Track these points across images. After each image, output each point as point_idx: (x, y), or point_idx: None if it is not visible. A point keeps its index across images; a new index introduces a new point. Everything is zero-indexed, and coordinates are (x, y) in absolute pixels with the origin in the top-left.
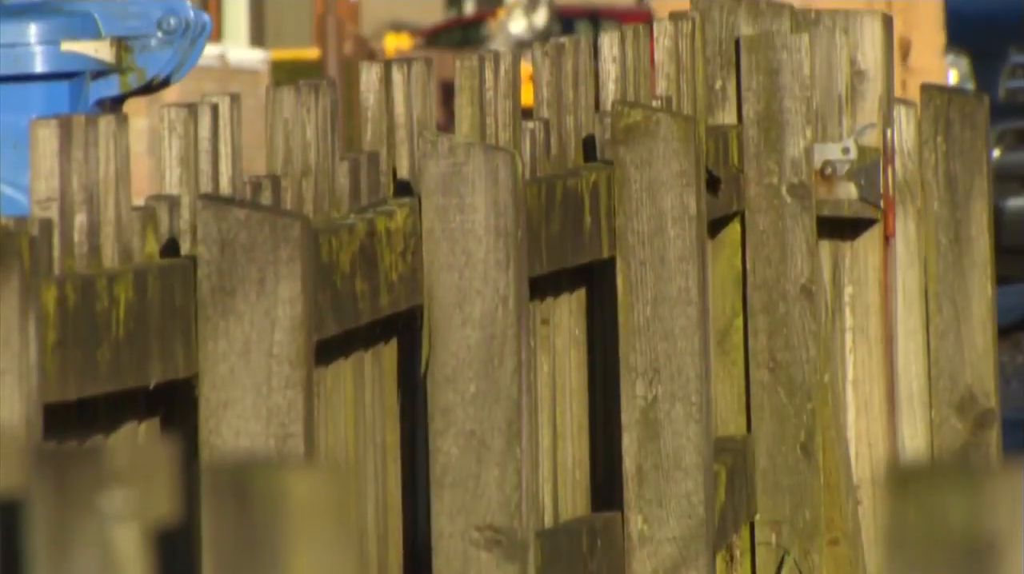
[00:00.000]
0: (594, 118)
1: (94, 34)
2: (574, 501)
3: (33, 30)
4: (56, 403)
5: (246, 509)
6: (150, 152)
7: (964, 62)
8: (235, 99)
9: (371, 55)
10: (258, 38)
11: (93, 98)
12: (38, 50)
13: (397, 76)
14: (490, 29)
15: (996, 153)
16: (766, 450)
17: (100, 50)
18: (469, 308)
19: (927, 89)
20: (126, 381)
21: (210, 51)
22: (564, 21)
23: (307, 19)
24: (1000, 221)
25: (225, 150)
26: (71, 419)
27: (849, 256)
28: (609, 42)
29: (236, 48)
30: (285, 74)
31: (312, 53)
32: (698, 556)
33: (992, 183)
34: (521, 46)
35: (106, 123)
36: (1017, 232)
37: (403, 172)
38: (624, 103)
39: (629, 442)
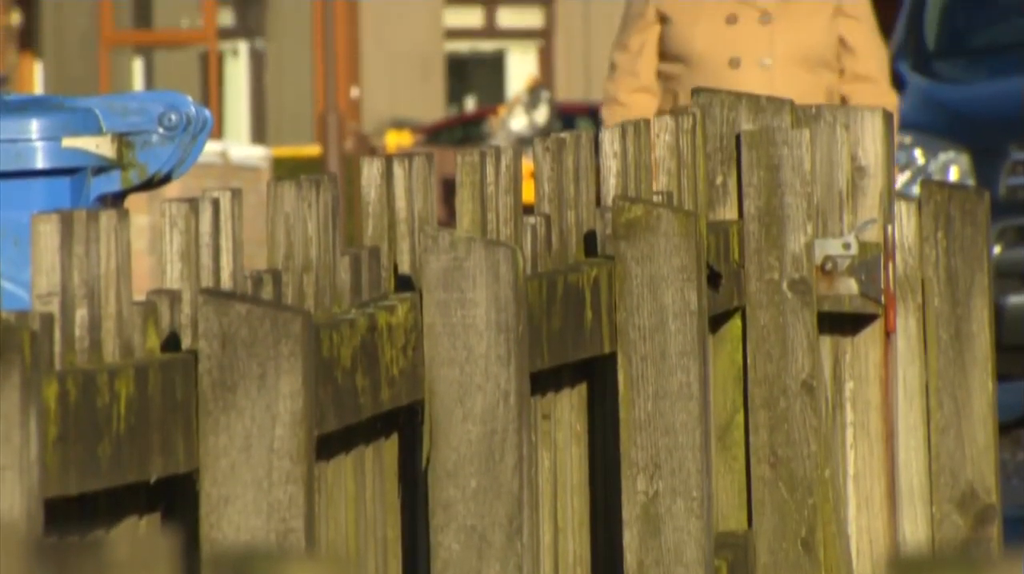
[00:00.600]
0: (595, 213)
1: (95, 130)
2: None
3: (35, 126)
4: (57, 498)
5: None
6: (151, 250)
7: (964, 159)
8: (236, 194)
9: (372, 152)
10: (259, 135)
11: (94, 194)
12: (39, 146)
13: (398, 171)
14: (491, 126)
15: (997, 250)
16: (767, 545)
17: (101, 146)
18: (470, 403)
19: (927, 185)
20: (127, 476)
21: (211, 148)
22: (565, 118)
23: (308, 116)
24: (1001, 318)
25: (226, 245)
26: (72, 514)
27: (850, 351)
28: (610, 137)
29: (237, 145)
30: (286, 170)
31: (313, 150)
32: None
33: (993, 280)
34: (522, 143)
35: (107, 218)
36: (1018, 329)
37: (404, 267)
38: (625, 198)
39: (630, 538)
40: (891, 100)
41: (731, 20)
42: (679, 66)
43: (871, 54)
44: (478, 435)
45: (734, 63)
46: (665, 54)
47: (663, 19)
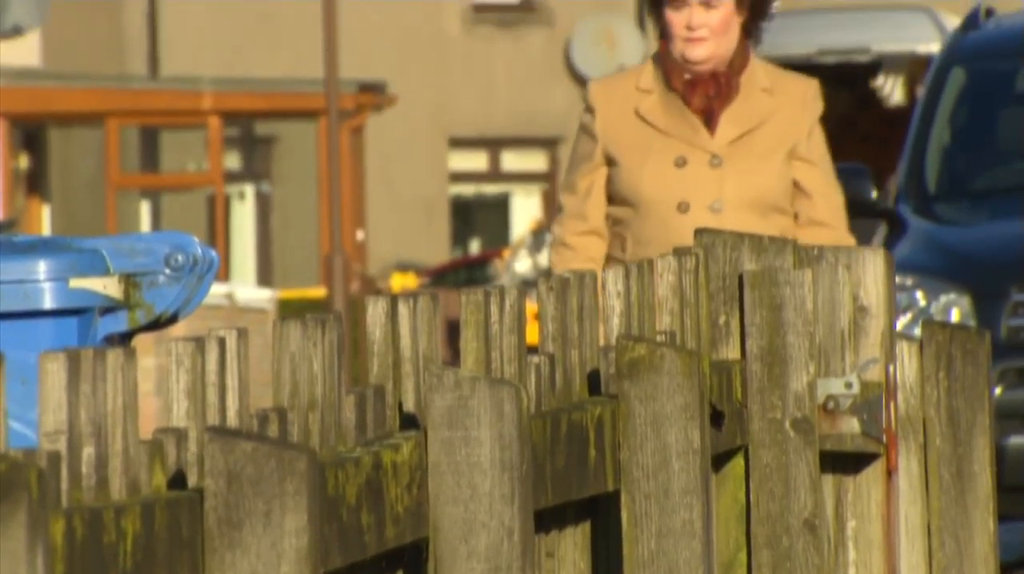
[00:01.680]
0: (599, 352)
1: (103, 271)
2: None
3: (42, 267)
4: None
5: None
6: (158, 391)
7: (965, 301)
8: (242, 333)
9: (377, 294)
10: (265, 277)
11: (102, 334)
12: (47, 286)
13: (403, 310)
14: (496, 269)
15: (998, 391)
16: None
17: (108, 286)
18: (474, 541)
19: (929, 325)
20: None
21: (217, 290)
22: None
23: (314, 258)
24: (1002, 458)
25: (232, 383)
26: None
27: (852, 490)
28: (613, 277)
29: (244, 287)
30: (292, 312)
31: (319, 292)
32: None
33: (994, 420)
34: (526, 284)
35: (114, 357)
36: (1019, 470)
37: (409, 405)
38: (629, 338)
39: None
40: (848, 245)
41: (680, 163)
42: (627, 210)
43: (826, 199)
44: (482, 573)
45: (683, 207)
46: (613, 197)
47: (611, 161)
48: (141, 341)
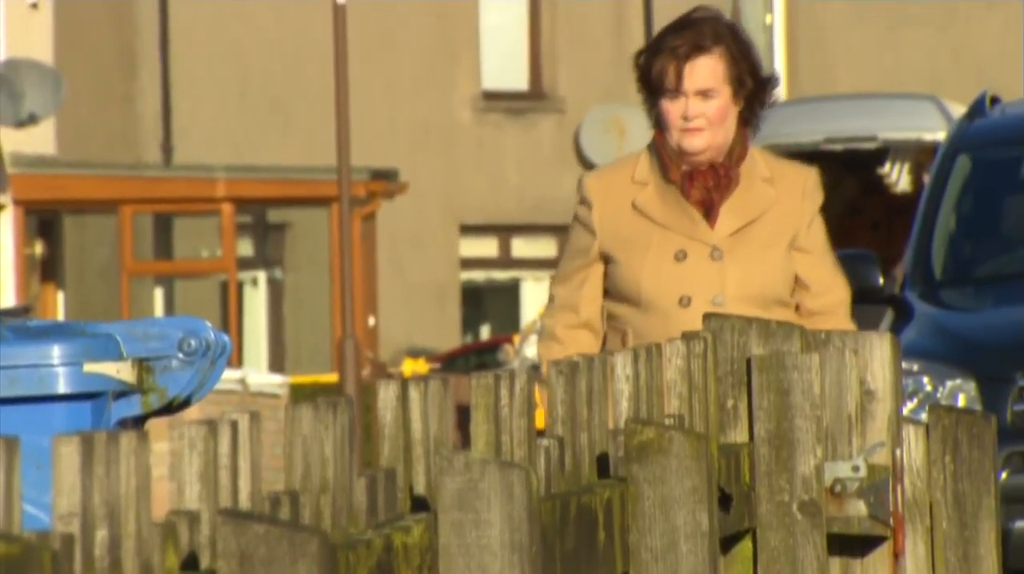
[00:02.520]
0: (608, 435)
1: (116, 355)
2: None
3: (56, 351)
4: None
5: None
6: (171, 476)
7: (972, 386)
8: (254, 417)
9: (389, 379)
10: (278, 363)
11: (115, 418)
12: (61, 371)
13: (414, 394)
14: (506, 354)
15: (1003, 475)
16: None
17: (122, 371)
18: None
19: (935, 410)
20: None
21: (230, 375)
22: None
23: (326, 344)
24: (1007, 542)
25: (244, 466)
26: None
27: (859, 573)
28: (622, 361)
29: (256, 373)
30: (304, 398)
31: (331, 378)
32: None
33: (999, 504)
34: (536, 369)
35: (127, 440)
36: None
37: (420, 488)
38: (637, 421)
39: None
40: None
41: (680, 256)
42: (627, 306)
43: (828, 289)
44: None
45: (684, 302)
46: (612, 293)
47: (608, 258)
48: (155, 426)
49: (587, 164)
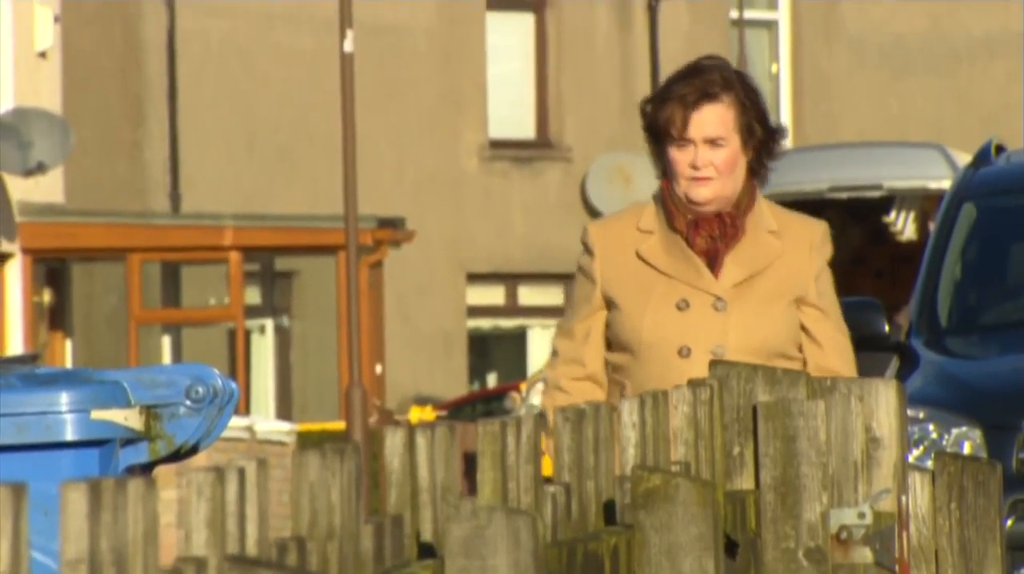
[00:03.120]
0: (614, 482)
1: (124, 402)
2: None
3: (64, 399)
4: None
5: None
6: (179, 523)
7: (977, 434)
8: (262, 464)
9: (396, 426)
10: (285, 411)
11: (123, 465)
12: (69, 418)
13: (421, 441)
14: (512, 401)
15: (1008, 523)
16: None
17: (130, 418)
18: None
19: (941, 457)
20: None
21: (237, 423)
22: None
23: (333, 392)
24: None
25: (252, 512)
26: None
27: None
28: (629, 408)
29: (263, 420)
30: (312, 445)
31: (338, 425)
32: None
33: (1004, 551)
34: (543, 417)
35: (135, 486)
36: None
37: (427, 535)
38: (644, 468)
39: None
40: None
41: (682, 306)
42: (627, 355)
43: (836, 345)
44: None
45: (684, 352)
46: (612, 342)
47: (610, 305)
48: (163, 473)
49: (593, 212)
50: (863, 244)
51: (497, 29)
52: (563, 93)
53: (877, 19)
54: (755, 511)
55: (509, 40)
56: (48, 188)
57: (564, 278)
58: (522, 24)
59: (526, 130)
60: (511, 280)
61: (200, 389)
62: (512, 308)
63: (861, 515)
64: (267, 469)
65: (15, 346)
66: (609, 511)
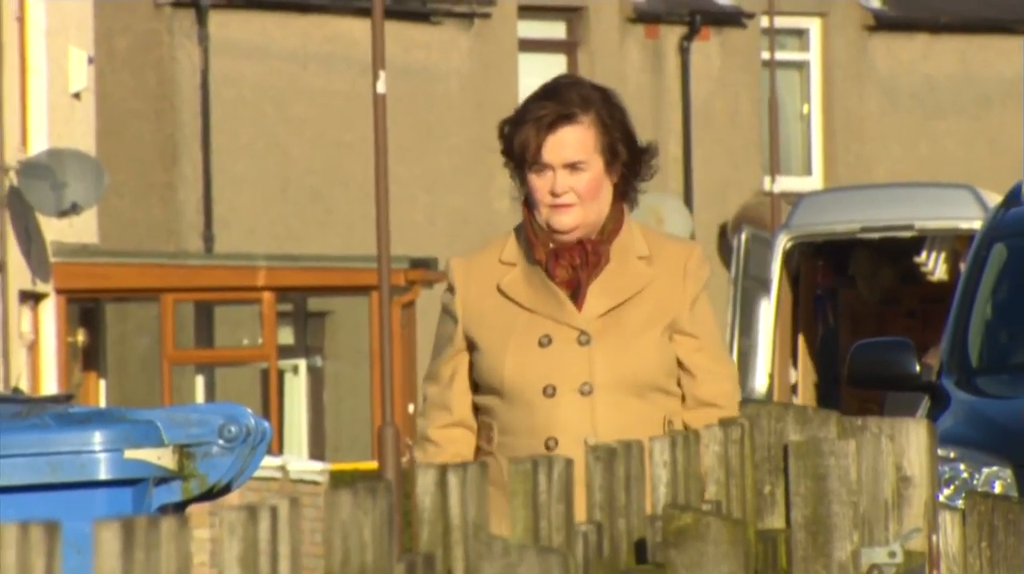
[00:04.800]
0: (646, 521)
1: (157, 441)
2: None
3: (97, 438)
4: None
5: None
6: (213, 563)
7: (1008, 474)
8: (294, 502)
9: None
10: (318, 450)
11: (156, 504)
12: (102, 457)
13: (453, 479)
14: None
15: None
16: None
17: (163, 457)
18: None
19: (972, 496)
20: None
21: (270, 462)
22: None
23: (366, 432)
24: None
25: (284, 551)
26: None
27: None
28: (660, 447)
29: (296, 460)
30: (344, 485)
31: (371, 465)
32: None
33: None
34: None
35: (168, 524)
36: None
37: (459, 573)
38: (675, 506)
39: None
40: None
41: (544, 342)
42: (492, 397)
43: (713, 376)
44: None
45: (548, 391)
46: (478, 384)
47: (472, 346)
48: (196, 513)
49: None
50: (894, 284)
51: (529, 71)
52: None
53: (907, 61)
54: (786, 550)
55: (541, 81)
56: (82, 229)
57: None
58: (554, 66)
59: None
60: None
61: (233, 428)
62: None
63: (892, 554)
64: (299, 508)
65: (49, 386)
66: (640, 550)
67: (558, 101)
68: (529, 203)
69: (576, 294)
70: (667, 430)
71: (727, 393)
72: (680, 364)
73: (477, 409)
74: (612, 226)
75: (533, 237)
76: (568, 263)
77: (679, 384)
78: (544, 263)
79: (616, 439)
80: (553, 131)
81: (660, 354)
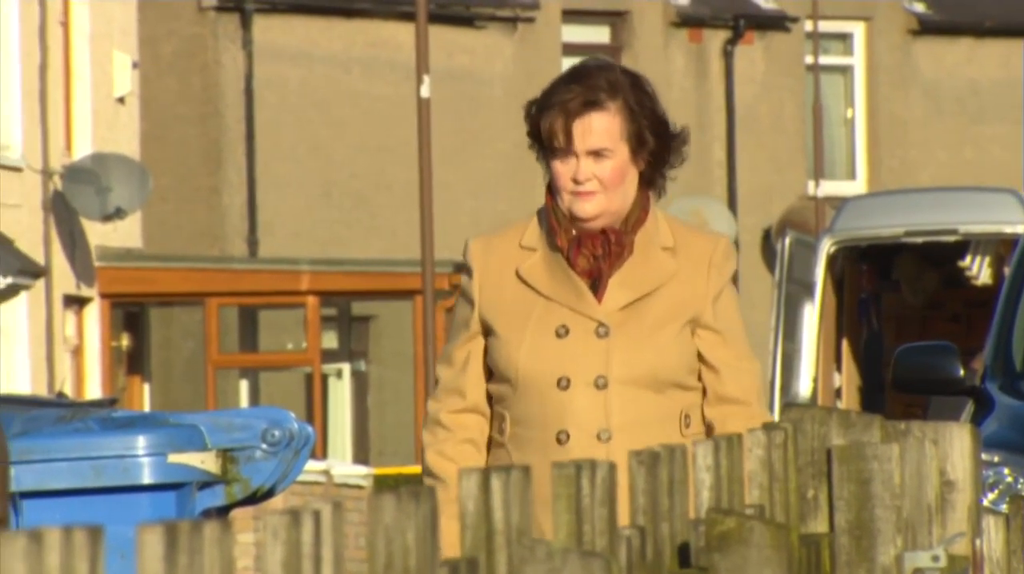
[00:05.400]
0: (688, 525)
1: (200, 446)
2: None
3: (141, 442)
4: None
5: None
6: (256, 568)
7: None
8: (337, 506)
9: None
10: (362, 455)
11: (199, 508)
12: (146, 462)
13: (496, 483)
14: None
15: None
16: None
17: (206, 461)
18: None
19: (1016, 500)
20: None
21: (314, 466)
22: None
23: (410, 436)
24: None
25: (327, 555)
26: None
27: None
28: (703, 452)
29: (340, 464)
30: (388, 489)
31: (415, 469)
32: None
33: None
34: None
35: (211, 529)
36: None
37: None
38: (718, 510)
39: None
40: (763, 423)
41: (561, 332)
42: (505, 386)
43: (737, 373)
44: None
45: (562, 383)
46: (492, 372)
47: (488, 331)
48: (239, 517)
49: None
50: (938, 288)
51: None
52: None
53: (951, 65)
54: (829, 554)
55: None
56: (126, 233)
57: None
58: None
59: None
60: None
61: (276, 433)
62: None
63: (935, 558)
64: (343, 512)
65: (93, 390)
66: (683, 554)
67: (585, 85)
68: (552, 188)
69: (597, 284)
70: (682, 426)
71: (751, 389)
72: (702, 359)
73: (491, 397)
74: (637, 215)
75: (555, 223)
76: (590, 252)
77: (699, 379)
78: (565, 251)
79: (628, 434)
80: (579, 117)
81: (680, 349)
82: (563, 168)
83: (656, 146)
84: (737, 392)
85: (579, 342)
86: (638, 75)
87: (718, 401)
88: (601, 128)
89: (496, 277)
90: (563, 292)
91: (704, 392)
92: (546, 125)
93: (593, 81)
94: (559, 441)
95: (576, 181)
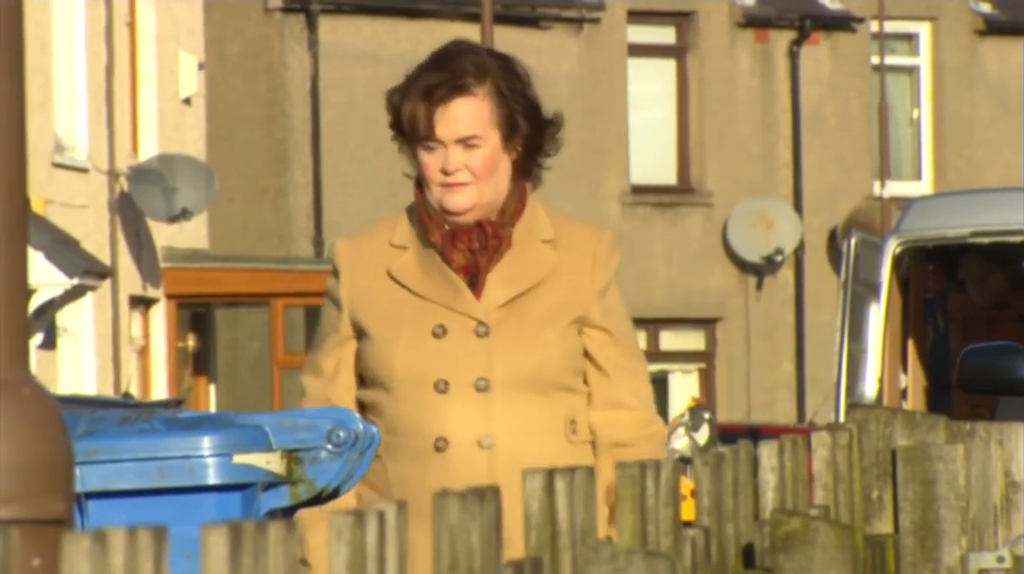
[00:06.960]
0: (753, 526)
1: (265, 447)
2: None
3: (206, 443)
4: None
5: None
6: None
7: None
8: (402, 507)
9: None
10: None
11: (264, 509)
12: (211, 462)
13: (560, 484)
14: None
15: None
16: None
17: (271, 462)
18: None
19: None
20: None
21: None
22: (725, 438)
23: None
24: None
25: (392, 555)
26: None
27: None
28: (768, 452)
29: None
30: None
31: None
32: None
33: None
34: (683, 462)
35: (275, 529)
36: None
37: None
38: (783, 511)
39: None
40: (653, 430)
41: (439, 333)
42: (379, 392)
43: (626, 373)
44: None
45: (441, 386)
46: (364, 378)
47: (360, 334)
48: None
49: (735, 258)
50: (1005, 289)
51: (639, 76)
52: (704, 139)
53: (1017, 65)
54: (894, 555)
55: (651, 87)
56: (192, 234)
57: (706, 323)
58: (664, 71)
59: (668, 176)
60: (653, 325)
61: (341, 433)
62: (654, 353)
63: (1000, 559)
64: (407, 512)
65: (159, 391)
66: (748, 555)
67: (450, 70)
68: (420, 182)
69: (474, 281)
70: (568, 432)
71: (641, 394)
72: (589, 358)
73: (362, 406)
74: (514, 207)
75: (427, 218)
76: (466, 247)
77: (585, 381)
78: (440, 247)
79: (512, 441)
80: (444, 104)
81: (565, 349)
82: (431, 159)
83: (529, 132)
84: (626, 395)
85: (458, 342)
86: (508, 57)
87: (607, 405)
88: (469, 114)
89: (366, 278)
90: (439, 290)
91: (589, 396)
92: (408, 113)
93: (458, 65)
94: (437, 448)
95: (445, 172)
